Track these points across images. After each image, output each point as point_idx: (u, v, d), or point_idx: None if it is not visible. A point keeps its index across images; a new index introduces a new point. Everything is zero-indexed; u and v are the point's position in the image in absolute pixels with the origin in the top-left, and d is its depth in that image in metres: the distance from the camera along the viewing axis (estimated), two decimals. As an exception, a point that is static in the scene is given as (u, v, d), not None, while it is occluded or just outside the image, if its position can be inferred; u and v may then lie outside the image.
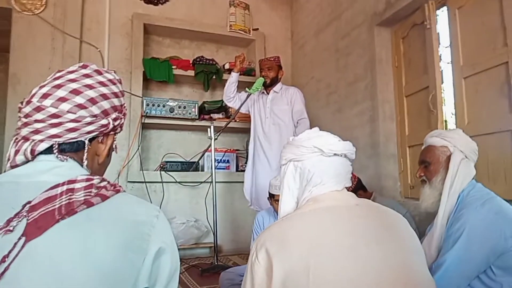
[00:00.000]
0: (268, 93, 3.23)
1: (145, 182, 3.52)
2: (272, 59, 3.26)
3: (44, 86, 0.73)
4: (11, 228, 0.59)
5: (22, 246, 0.57)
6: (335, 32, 3.49)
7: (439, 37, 2.49)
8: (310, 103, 3.87)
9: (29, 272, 0.56)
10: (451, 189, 1.39)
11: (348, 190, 1.04)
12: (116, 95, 0.79)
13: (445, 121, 2.87)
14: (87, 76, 0.76)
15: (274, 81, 3.19)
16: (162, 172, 3.57)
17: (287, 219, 0.94)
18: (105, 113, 0.77)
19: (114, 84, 0.80)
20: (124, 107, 0.84)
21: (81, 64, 0.80)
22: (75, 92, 0.72)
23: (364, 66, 3.05)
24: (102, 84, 0.77)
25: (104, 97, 0.76)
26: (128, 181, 3.50)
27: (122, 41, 3.70)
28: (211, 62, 3.88)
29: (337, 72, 3.43)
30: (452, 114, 2.71)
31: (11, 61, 3.33)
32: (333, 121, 3.45)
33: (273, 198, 2.31)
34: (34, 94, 0.72)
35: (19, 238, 0.58)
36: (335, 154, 1.00)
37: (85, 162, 0.75)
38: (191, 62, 3.85)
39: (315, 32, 3.86)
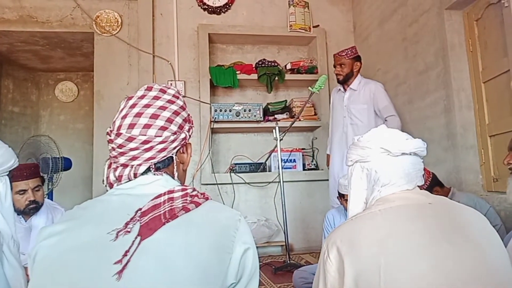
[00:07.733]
0: (345, 91, 3.05)
1: (217, 184, 3.70)
2: (343, 54, 3.00)
3: (125, 116, 0.82)
4: (129, 230, 0.73)
5: (138, 244, 0.71)
6: (401, 20, 3.33)
7: (520, 15, 2.26)
8: (377, 97, 3.74)
9: (144, 264, 0.69)
10: None
11: (421, 188, 1.00)
12: (182, 108, 0.89)
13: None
14: (156, 98, 0.85)
15: (349, 77, 2.99)
16: (232, 174, 3.71)
17: (357, 219, 0.94)
18: (181, 127, 0.86)
19: (178, 98, 0.89)
20: (190, 115, 0.93)
21: (146, 86, 0.89)
22: (154, 116, 0.82)
23: (435, 53, 2.87)
24: (170, 102, 0.86)
25: (176, 113, 0.85)
26: (202, 184, 3.70)
27: (189, 52, 3.92)
28: (273, 64, 3.92)
29: (405, 61, 3.27)
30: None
31: (95, 80, 3.73)
32: (403, 113, 3.29)
33: (342, 198, 2.28)
34: (120, 126, 0.81)
35: (135, 238, 0.72)
36: (403, 154, 0.96)
37: (176, 174, 0.88)
38: (253, 66, 3.94)
39: (380, 22, 3.72)
